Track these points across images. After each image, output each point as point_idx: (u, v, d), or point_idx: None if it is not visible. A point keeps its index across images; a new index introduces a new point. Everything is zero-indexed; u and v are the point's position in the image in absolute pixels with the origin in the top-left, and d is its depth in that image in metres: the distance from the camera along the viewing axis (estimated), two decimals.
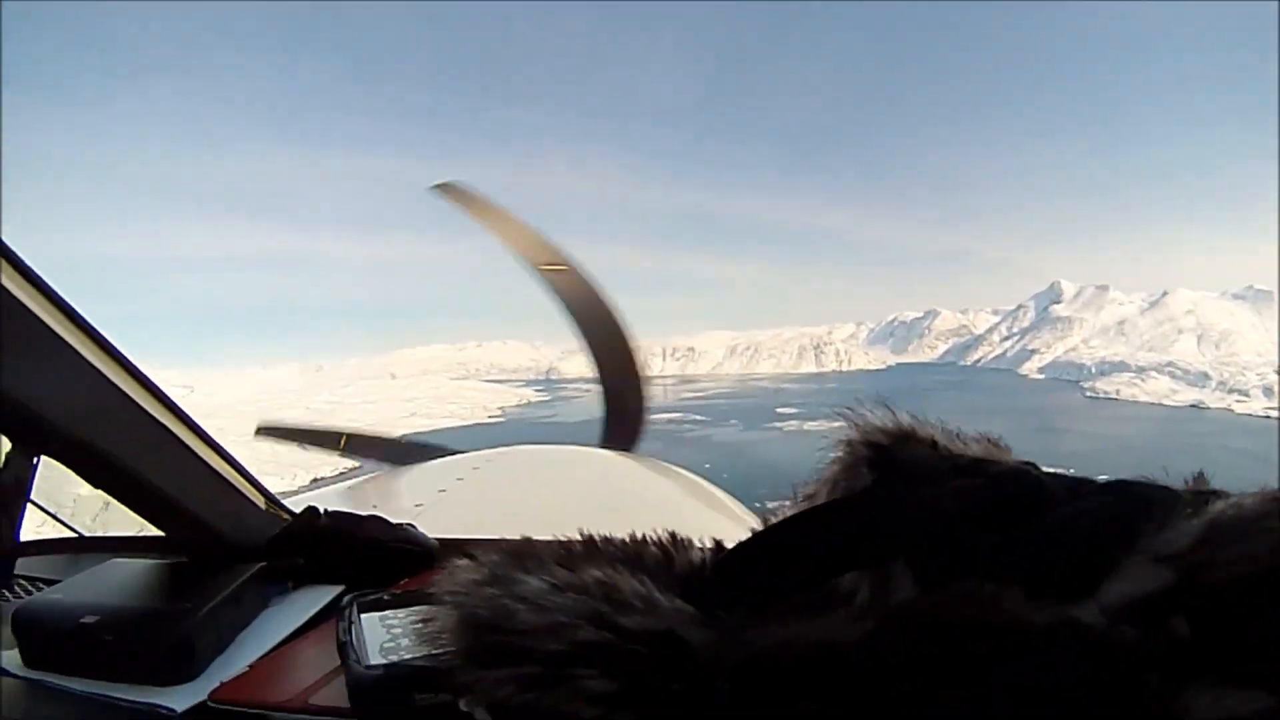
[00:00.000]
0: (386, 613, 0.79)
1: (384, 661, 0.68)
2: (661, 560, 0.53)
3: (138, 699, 0.75)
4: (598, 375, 3.34)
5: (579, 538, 0.55)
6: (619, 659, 0.42)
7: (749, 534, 0.50)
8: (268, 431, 3.36)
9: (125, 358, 0.81)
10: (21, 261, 0.69)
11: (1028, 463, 0.49)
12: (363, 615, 0.78)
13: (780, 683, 0.38)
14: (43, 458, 0.78)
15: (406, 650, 0.69)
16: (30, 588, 1.11)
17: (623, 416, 3.24)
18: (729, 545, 0.52)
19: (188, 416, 0.89)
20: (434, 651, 0.52)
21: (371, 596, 0.82)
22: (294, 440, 3.43)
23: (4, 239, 0.67)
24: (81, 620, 0.79)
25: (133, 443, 0.83)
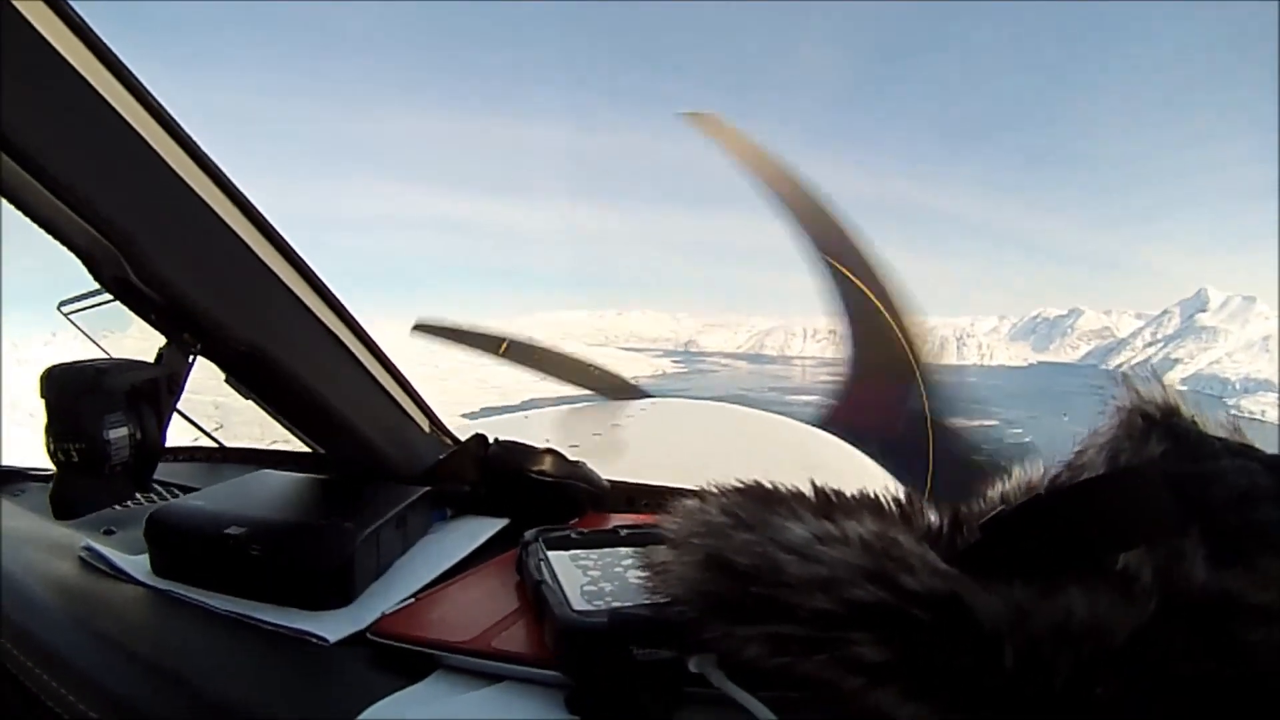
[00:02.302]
0: (576, 552, 0.71)
1: (591, 608, 0.59)
2: (898, 519, 0.48)
3: (284, 622, 0.67)
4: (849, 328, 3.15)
5: (809, 489, 0.51)
6: (899, 623, 0.38)
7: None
8: (425, 329, 3.36)
9: (299, 257, 0.77)
10: (192, 142, 0.66)
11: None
12: (550, 552, 0.71)
13: (1069, 663, 0.36)
14: (198, 357, 0.72)
15: (612, 596, 0.61)
16: (167, 494, 1.10)
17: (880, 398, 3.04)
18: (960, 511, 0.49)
19: (358, 325, 0.84)
20: (660, 600, 0.48)
21: (559, 533, 0.74)
22: (452, 340, 3.41)
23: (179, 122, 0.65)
24: (226, 530, 0.73)
25: (299, 346, 0.79)
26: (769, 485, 0.52)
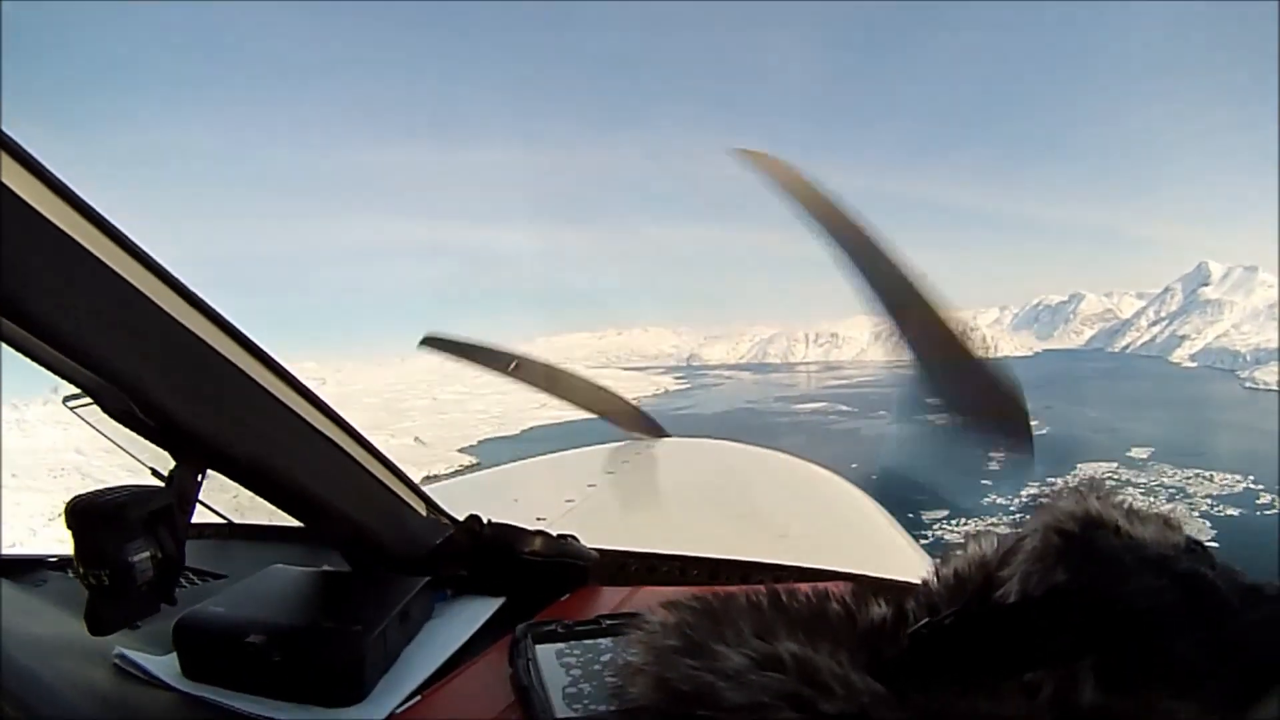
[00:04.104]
0: (561, 646, 0.81)
1: (570, 713, 0.69)
2: (844, 618, 0.56)
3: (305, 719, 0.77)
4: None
5: (763, 590, 0.59)
6: None
7: (918, 571, 0.56)
8: (433, 343, 3.25)
9: (284, 369, 0.85)
10: (181, 283, 0.73)
11: (1197, 543, 0.52)
12: (537, 646, 0.80)
13: None
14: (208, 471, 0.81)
15: (590, 698, 0.71)
16: (182, 579, 1.17)
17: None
18: (895, 583, 0.59)
19: (348, 424, 0.92)
20: (626, 709, 0.55)
21: (547, 628, 0.83)
22: (460, 355, 3.31)
23: (161, 261, 0.71)
24: (248, 639, 0.81)
25: (298, 455, 0.87)
26: (721, 603, 0.59)
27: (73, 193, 0.64)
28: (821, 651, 0.50)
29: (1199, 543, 0.52)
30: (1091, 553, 0.50)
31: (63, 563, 1.24)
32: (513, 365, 2.94)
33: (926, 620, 0.53)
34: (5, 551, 1.35)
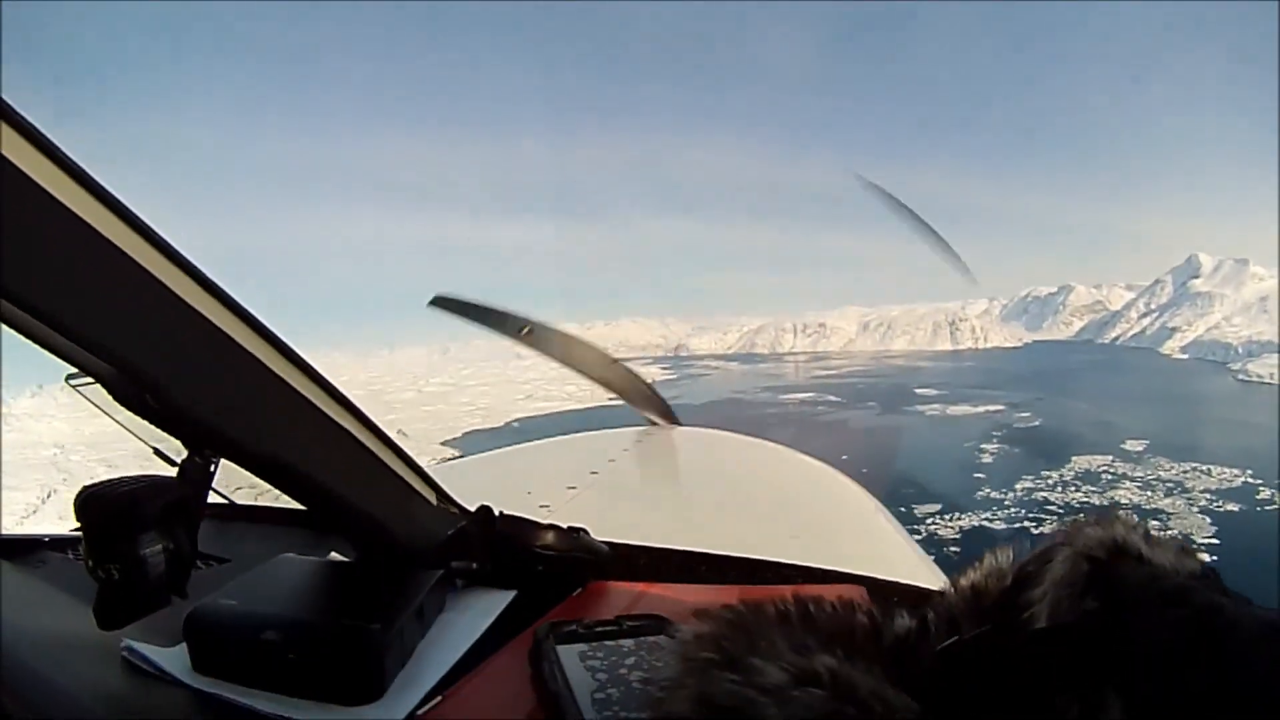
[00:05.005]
0: (584, 648, 0.81)
1: (599, 718, 0.69)
2: (870, 631, 0.56)
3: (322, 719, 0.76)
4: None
5: (789, 598, 0.59)
6: None
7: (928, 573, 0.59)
8: (444, 303, 3.11)
9: (295, 353, 0.82)
10: (194, 265, 0.70)
11: (1211, 570, 0.53)
12: (559, 648, 0.80)
13: None
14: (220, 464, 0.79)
15: (619, 704, 0.71)
16: None
17: None
18: (906, 588, 0.61)
19: (361, 411, 0.91)
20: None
21: (568, 628, 0.84)
22: (470, 317, 3.17)
23: (170, 240, 0.69)
24: (262, 636, 0.80)
25: (313, 449, 0.85)
26: (751, 613, 0.58)
27: (80, 168, 0.61)
28: (857, 667, 0.50)
29: (1212, 569, 0.53)
30: (1118, 581, 0.52)
31: (62, 542, 1.23)
32: (525, 330, 2.79)
33: (955, 638, 0.54)
34: (4, 531, 1.32)
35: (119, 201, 0.64)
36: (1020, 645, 0.51)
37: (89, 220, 0.62)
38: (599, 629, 0.84)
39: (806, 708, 0.47)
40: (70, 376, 1.12)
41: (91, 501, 0.70)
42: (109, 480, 0.74)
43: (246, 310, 0.76)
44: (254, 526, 1.34)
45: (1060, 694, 0.46)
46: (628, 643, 0.81)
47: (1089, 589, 0.51)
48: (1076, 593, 0.51)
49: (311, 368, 0.85)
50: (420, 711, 0.77)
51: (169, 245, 0.69)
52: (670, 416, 2.92)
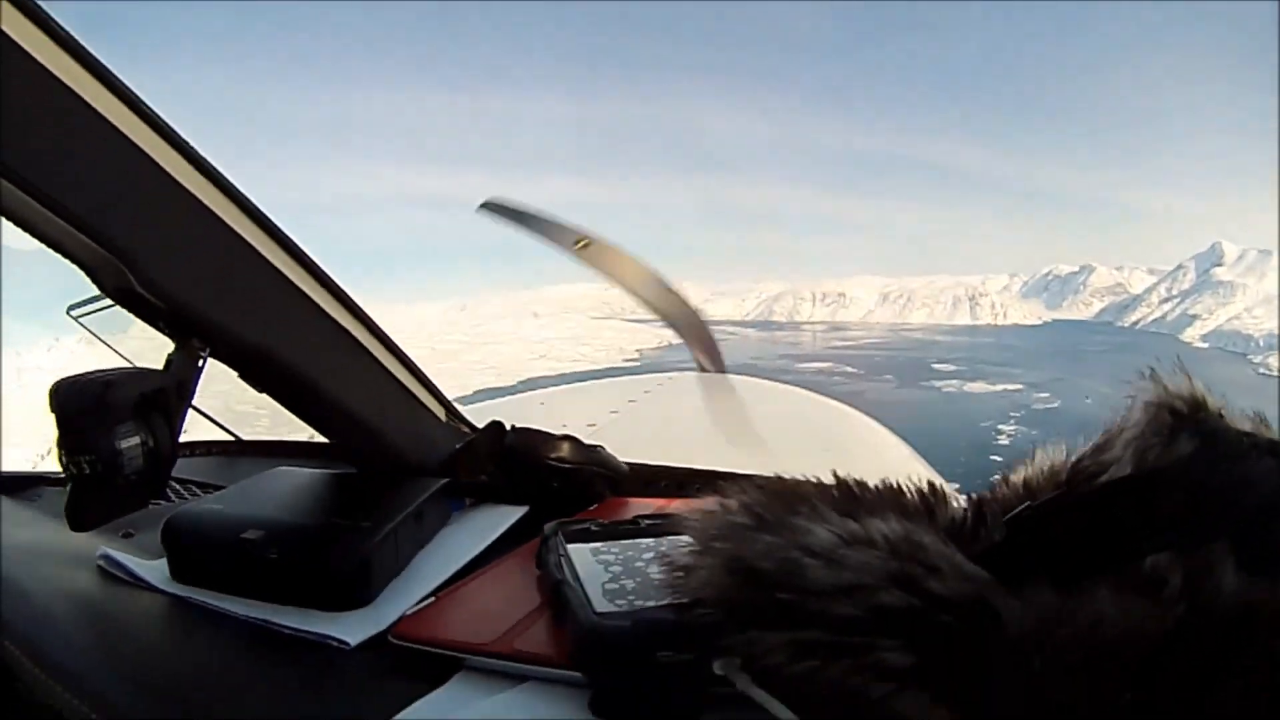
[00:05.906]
0: (597, 545, 0.72)
1: (613, 609, 0.59)
2: (922, 512, 0.49)
3: (304, 626, 0.69)
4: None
5: (831, 481, 0.51)
6: (926, 629, 0.39)
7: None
8: (494, 208, 2.99)
9: (301, 251, 0.78)
10: (187, 143, 0.67)
11: None
12: (570, 545, 0.72)
13: (1098, 669, 0.37)
14: (208, 359, 0.74)
15: (634, 594, 0.62)
16: (185, 493, 1.13)
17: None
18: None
19: (367, 315, 0.86)
20: (684, 601, 0.49)
21: (578, 526, 0.76)
22: (522, 224, 3.04)
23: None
24: (243, 535, 0.75)
25: (308, 344, 0.80)
26: (790, 480, 0.52)
27: (74, 40, 0.57)
28: (915, 531, 0.44)
29: None
30: (1209, 432, 0.45)
31: (60, 479, 1.19)
32: (580, 243, 2.67)
33: (1027, 504, 0.46)
34: (6, 469, 1.30)
35: (105, 68, 0.60)
36: (1110, 494, 0.44)
37: (68, 83, 0.57)
38: (614, 528, 0.75)
39: (862, 566, 0.41)
40: (72, 307, 1.09)
41: (62, 389, 0.65)
42: (84, 370, 0.68)
43: (238, 189, 0.71)
44: (261, 460, 1.29)
45: (1154, 553, 0.40)
46: (647, 540, 0.73)
47: (1177, 437, 0.44)
48: (1164, 441, 0.45)
49: (312, 261, 0.80)
50: (409, 610, 0.71)
51: (151, 111, 0.64)
52: (718, 360, 2.81)
